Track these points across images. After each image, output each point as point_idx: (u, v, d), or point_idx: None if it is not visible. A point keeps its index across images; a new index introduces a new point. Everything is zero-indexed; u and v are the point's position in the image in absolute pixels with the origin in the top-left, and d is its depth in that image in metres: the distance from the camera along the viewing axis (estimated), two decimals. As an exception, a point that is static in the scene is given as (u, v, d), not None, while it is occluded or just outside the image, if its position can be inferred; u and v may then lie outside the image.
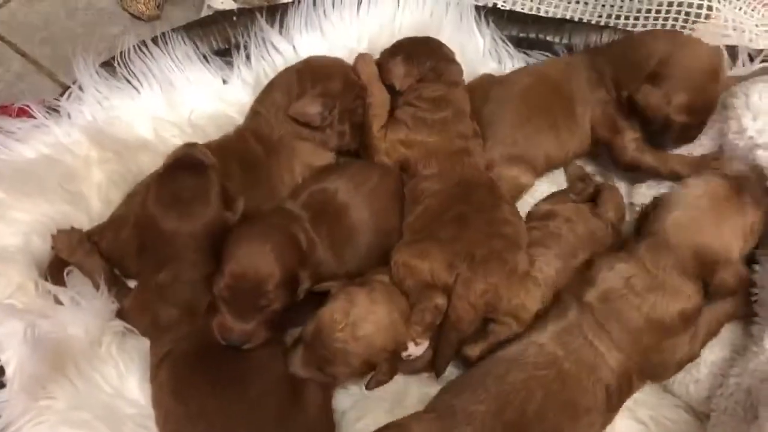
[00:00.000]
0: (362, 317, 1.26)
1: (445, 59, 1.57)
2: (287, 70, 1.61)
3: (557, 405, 1.22)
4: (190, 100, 1.64)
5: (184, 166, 1.34)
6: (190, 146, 1.41)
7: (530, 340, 1.29)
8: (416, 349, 1.33)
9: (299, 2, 1.71)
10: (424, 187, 1.45)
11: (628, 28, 1.87)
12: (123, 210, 1.47)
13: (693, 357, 1.31)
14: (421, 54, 1.56)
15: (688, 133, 1.51)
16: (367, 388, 1.33)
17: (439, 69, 1.55)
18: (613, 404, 1.27)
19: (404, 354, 1.32)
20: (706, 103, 1.47)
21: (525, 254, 1.38)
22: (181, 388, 1.23)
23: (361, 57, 1.60)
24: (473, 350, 1.36)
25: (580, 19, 1.91)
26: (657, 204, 1.36)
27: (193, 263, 1.30)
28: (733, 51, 1.61)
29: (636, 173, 1.58)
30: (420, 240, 1.38)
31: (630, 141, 1.54)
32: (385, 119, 1.55)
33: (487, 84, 1.63)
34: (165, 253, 1.31)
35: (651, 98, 1.46)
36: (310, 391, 1.28)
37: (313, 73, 1.57)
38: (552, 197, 1.59)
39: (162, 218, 1.29)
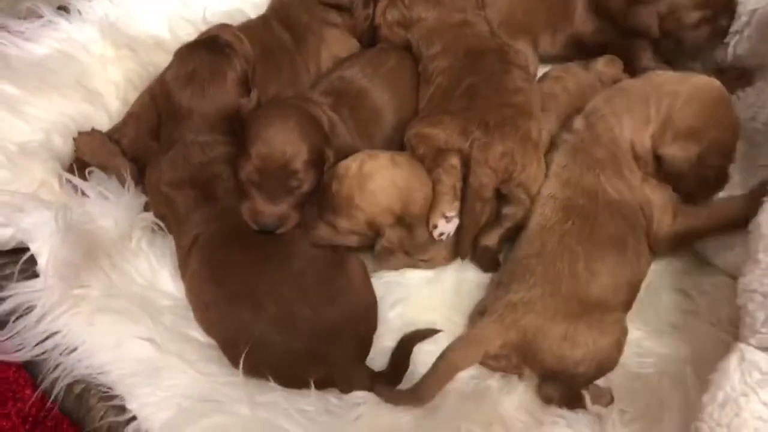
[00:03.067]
0: (375, 171, 1.25)
1: None
2: None
3: (597, 249, 1.21)
4: (202, -2, 1.60)
5: (208, 46, 1.32)
6: (222, 27, 1.40)
7: (541, 198, 1.29)
8: (447, 225, 1.29)
9: None
10: (434, 67, 1.42)
11: None
12: (138, 107, 1.43)
13: None
14: None
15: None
16: (375, 261, 1.31)
17: None
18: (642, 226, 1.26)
19: (436, 233, 1.29)
20: None
21: (537, 123, 1.35)
22: (217, 272, 1.20)
23: None
24: (491, 239, 1.34)
25: None
26: None
27: (204, 144, 1.28)
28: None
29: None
30: (432, 114, 1.35)
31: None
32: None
33: None
34: (176, 131, 1.29)
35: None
36: (351, 258, 1.26)
37: None
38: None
39: (176, 94, 1.29)
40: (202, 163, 1.28)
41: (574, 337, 1.15)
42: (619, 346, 1.20)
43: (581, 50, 1.59)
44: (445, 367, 1.14)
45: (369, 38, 1.57)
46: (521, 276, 1.21)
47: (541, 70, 1.59)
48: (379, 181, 1.25)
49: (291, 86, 1.46)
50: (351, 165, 1.25)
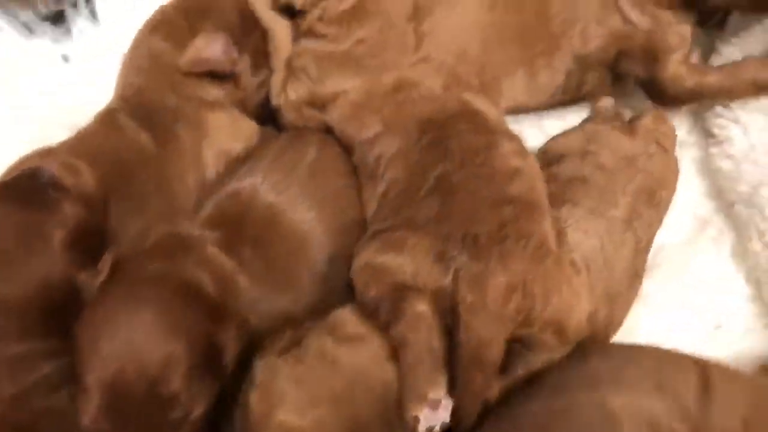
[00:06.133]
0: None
1: None
2: (162, 9, 1.07)
3: None
4: (21, 94, 1.08)
5: (20, 191, 0.83)
6: (42, 155, 0.91)
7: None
8: (437, 414, 0.77)
9: None
10: (377, 155, 0.94)
11: None
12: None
13: None
14: None
15: None
16: None
17: None
18: None
19: (421, 430, 0.77)
20: None
21: (549, 219, 0.88)
22: None
23: None
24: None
25: None
26: None
27: (15, 362, 0.77)
28: None
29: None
30: (389, 229, 0.86)
31: (678, 64, 1.03)
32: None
33: None
34: None
35: None
36: None
37: (198, 4, 1.06)
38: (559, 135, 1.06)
39: None
40: (15, 397, 0.76)
41: None
42: None
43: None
44: None
45: (267, 113, 1.08)
46: None
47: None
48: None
49: (163, 216, 0.95)
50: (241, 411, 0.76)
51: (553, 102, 1.12)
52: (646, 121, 0.99)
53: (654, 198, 0.95)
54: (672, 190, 0.98)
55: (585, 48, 1.06)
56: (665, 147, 0.98)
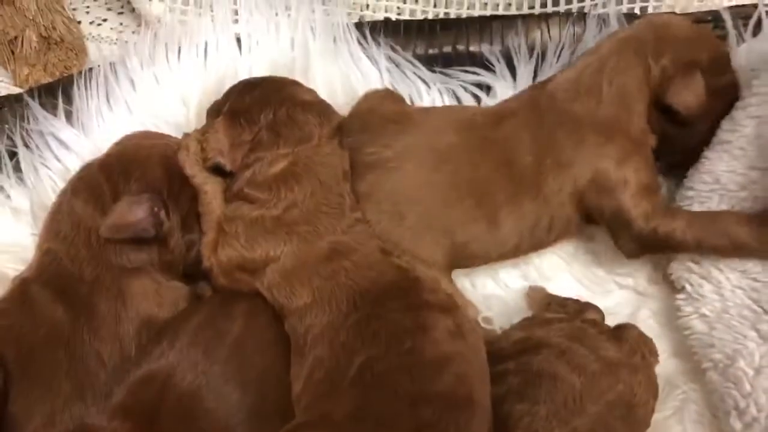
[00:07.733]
0: None
1: (289, 102, 1.00)
2: (85, 169, 1.02)
3: None
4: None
5: None
6: None
7: None
8: None
9: (90, 71, 1.11)
10: (305, 328, 0.86)
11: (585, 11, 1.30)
12: None
13: None
14: (252, 104, 1.00)
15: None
16: None
17: (279, 122, 0.97)
18: None
19: None
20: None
21: (487, 417, 0.78)
22: None
23: (183, 138, 1.03)
24: None
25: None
26: None
27: None
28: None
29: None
30: (304, 426, 0.77)
31: (646, 199, 0.99)
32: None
33: (378, 123, 1.04)
34: None
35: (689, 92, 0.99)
36: None
37: (122, 164, 1.00)
38: (527, 322, 0.96)
39: None
40: None
41: None
42: None
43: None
44: None
45: (199, 270, 0.99)
46: None
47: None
48: None
49: (74, 400, 0.87)
50: None
51: (520, 251, 1.04)
52: (633, 333, 0.90)
53: (631, 415, 0.83)
54: (651, 410, 0.86)
55: (558, 182, 0.99)
56: (649, 362, 0.88)
